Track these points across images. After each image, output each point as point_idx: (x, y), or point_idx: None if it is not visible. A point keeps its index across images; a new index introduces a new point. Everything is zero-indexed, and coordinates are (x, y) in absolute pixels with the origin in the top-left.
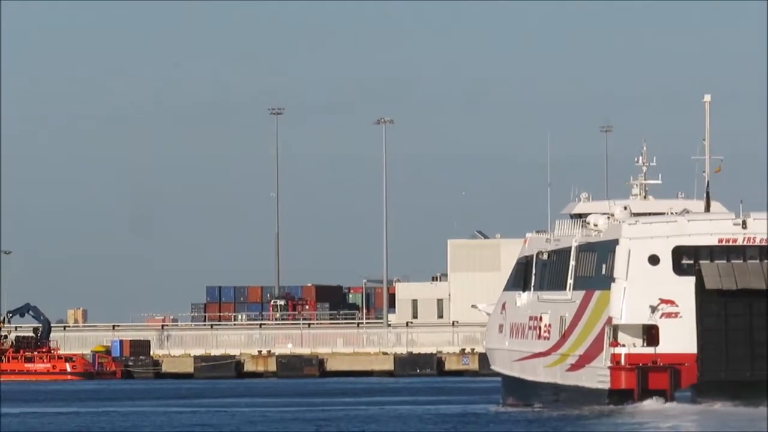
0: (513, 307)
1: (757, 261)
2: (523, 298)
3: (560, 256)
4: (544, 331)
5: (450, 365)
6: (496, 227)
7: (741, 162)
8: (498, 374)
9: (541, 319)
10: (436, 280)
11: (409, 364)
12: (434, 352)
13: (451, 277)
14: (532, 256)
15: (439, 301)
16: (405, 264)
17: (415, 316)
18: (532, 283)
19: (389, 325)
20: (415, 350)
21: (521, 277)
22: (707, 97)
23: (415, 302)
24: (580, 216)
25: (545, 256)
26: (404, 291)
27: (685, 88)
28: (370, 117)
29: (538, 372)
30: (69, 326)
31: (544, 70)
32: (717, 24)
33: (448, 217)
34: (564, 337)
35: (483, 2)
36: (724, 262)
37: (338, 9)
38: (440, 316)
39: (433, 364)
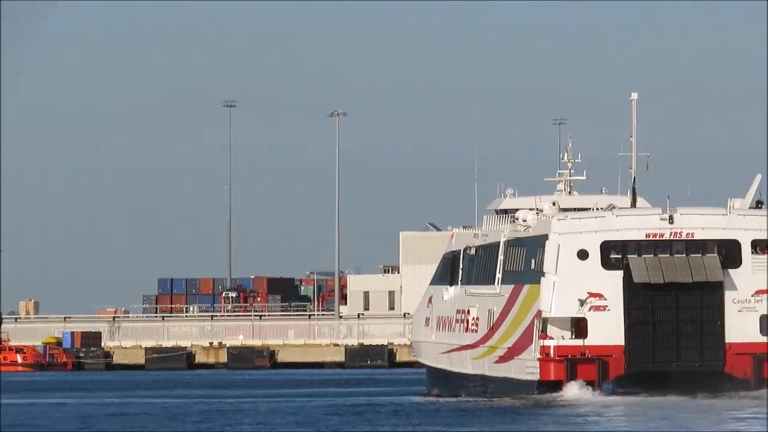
0: (440, 300)
1: (684, 255)
2: (451, 292)
3: (488, 251)
4: (472, 324)
5: (401, 357)
6: (448, 220)
7: (664, 158)
8: (424, 366)
9: (468, 312)
10: (388, 272)
11: (360, 355)
12: (385, 343)
13: (403, 269)
14: (459, 251)
15: (391, 293)
16: (357, 256)
17: (366, 308)
18: (460, 278)
19: (341, 317)
20: (367, 342)
21: (448, 272)
22: (634, 95)
23: (366, 294)
24: (506, 212)
25: (473, 251)
26: (356, 283)
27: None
28: (323, 109)
29: (466, 364)
30: (20, 318)
31: (498, 62)
32: (647, 21)
33: (400, 209)
34: (492, 329)
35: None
36: (652, 256)
37: (291, 3)
38: (392, 308)
39: (384, 355)
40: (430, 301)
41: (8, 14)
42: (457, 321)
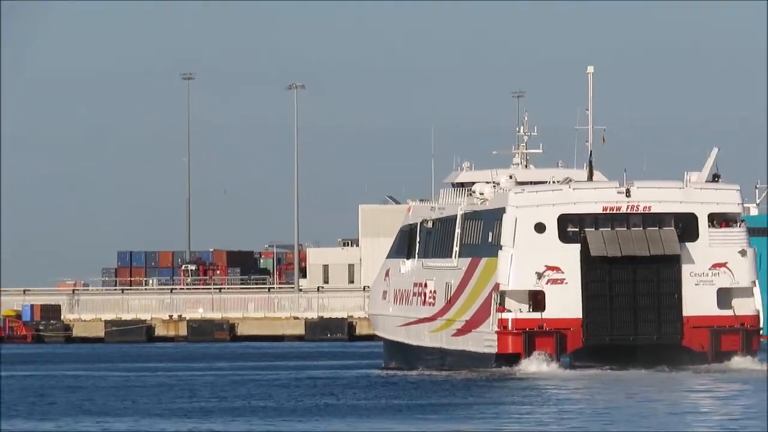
0: (397, 274)
1: (641, 228)
2: (408, 265)
3: (445, 224)
4: (430, 298)
5: (361, 330)
6: (408, 193)
7: (621, 132)
8: (381, 339)
9: (426, 285)
10: (347, 245)
11: (319, 328)
12: (345, 316)
13: (362, 242)
14: (416, 224)
15: (350, 266)
16: (316, 229)
17: (326, 281)
18: (417, 251)
19: (300, 290)
20: (326, 315)
21: (405, 245)
22: (590, 69)
23: (326, 267)
24: (462, 185)
25: (430, 225)
26: (315, 256)
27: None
28: (282, 83)
29: (423, 337)
30: None
31: (457, 36)
32: None
33: (359, 182)
34: (450, 303)
35: None
36: (609, 229)
37: None
38: (351, 281)
39: (344, 328)
40: (387, 274)
41: None
42: (414, 294)
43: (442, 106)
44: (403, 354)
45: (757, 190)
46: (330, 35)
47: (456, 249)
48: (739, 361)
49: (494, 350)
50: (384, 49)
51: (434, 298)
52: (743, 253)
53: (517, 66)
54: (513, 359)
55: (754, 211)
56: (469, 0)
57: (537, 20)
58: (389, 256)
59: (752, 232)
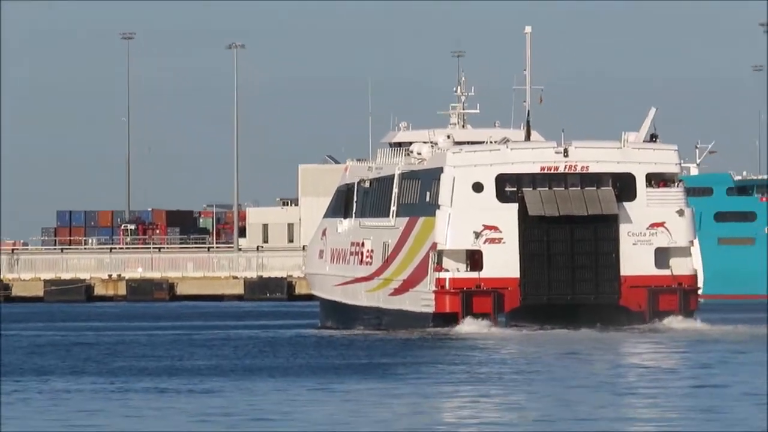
0: (334, 233)
1: (579, 188)
2: (345, 224)
3: (382, 183)
4: (367, 257)
5: (300, 289)
6: (347, 152)
7: (558, 91)
8: (318, 299)
9: (363, 244)
10: (287, 204)
11: (259, 288)
12: (284, 276)
13: (302, 202)
14: (354, 183)
15: (290, 226)
16: (255, 189)
17: (265, 241)
18: (354, 211)
19: (240, 250)
20: (266, 274)
21: (342, 205)
22: (528, 29)
23: (265, 227)
24: (400, 145)
25: (367, 184)
26: (255, 216)
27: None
28: (222, 41)
29: (360, 296)
30: None
31: None
32: None
33: (299, 141)
34: (387, 262)
35: None
36: (547, 189)
37: None
38: (291, 241)
39: (283, 288)
40: (324, 233)
41: None
42: (351, 253)
43: (380, 64)
44: (340, 313)
45: (697, 150)
46: None
47: (393, 208)
48: (673, 321)
49: (431, 310)
50: (325, 7)
51: (371, 257)
52: (681, 212)
53: (457, 25)
54: (450, 319)
55: (694, 171)
56: None
57: None
58: (326, 216)
59: (693, 192)
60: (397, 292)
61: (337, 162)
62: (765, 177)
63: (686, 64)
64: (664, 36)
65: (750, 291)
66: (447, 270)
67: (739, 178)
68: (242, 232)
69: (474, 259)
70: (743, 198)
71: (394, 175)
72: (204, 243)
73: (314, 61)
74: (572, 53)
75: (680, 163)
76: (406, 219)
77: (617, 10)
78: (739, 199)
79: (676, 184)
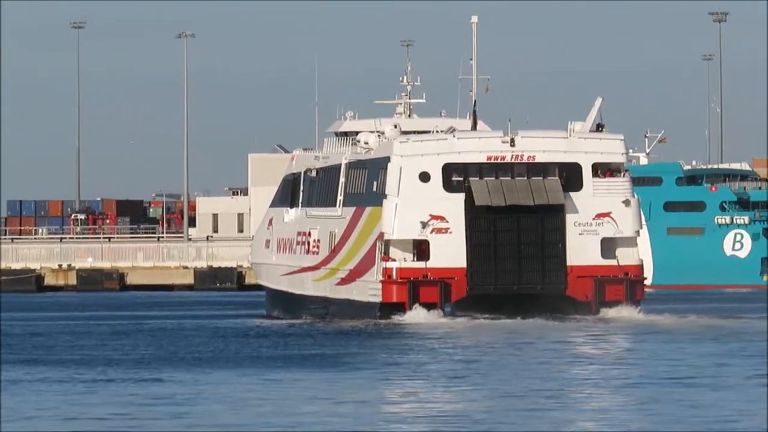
0: (280, 222)
1: (525, 178)
2: (291, 214)
3: (329, 173)
4: (313, 246)
5: (250, 279)
6: (297, 142)
7: (504, 81)
8: (265, 288)
9: (309, 234)
10: (237, 194)
11: (209, 278)
12: (235, 266)
13: (252, 192)
14: (300, 173)
15: (240, 216)
16: (205, 178)
17: (215, 231)
18: (300, 200)
19: (190, 239)
20: (216, 264)
21: (288, 194)
22: (474, 18)
23: (215, 216)
24: (346, 134)
25: (314, 174)
26: (205, 205)
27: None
28: (171, 31)
29: (307, 286)
30: None
31: None
32: None
33: (248, 130)
34: (334, 252)
35: None
36: (493, 179)
37: None
38: (240, 231)
39: (233, 278)
40: (270, 223)
41: None
42: (297, 243)
43: (330, 54)
44: (286, 303)
45: (647, 140)
46: None
47: (340, 198)
48: (617, 310)
49: (379, 299)
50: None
51: (318, 247)
52: (627, 203)
53: (406, 15)
54: (397, 308)
55: (644, 161)
56: None
57: None
58: (272, 205)
59: (643, 181)
60: (344, 281)
61: (287, 151)
62: (715, 167)
63: (635, 54)
64: (612, 25)
65: (699, 281)
66: (394, 260)
67: (689, 167)
68: (192, 222)
69: (421, 249)
70: (693, 188)
71: (340, 164)
72: (154, 233)
73: (264, 50)
74: (520, 43)
75: (626, 153)
76: (353, 209)
77: (566, 1)
78: (689, 188)
79: (622, 174)
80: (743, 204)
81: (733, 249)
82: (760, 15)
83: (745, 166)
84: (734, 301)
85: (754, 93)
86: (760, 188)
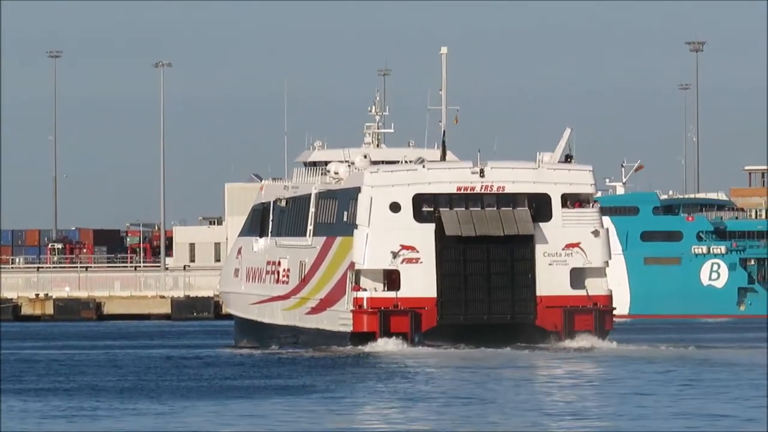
0: (250, 252)
1: (495, 209)
2: (261, 243)
3: (299, 203)
4: (283, 276)
5: (227, 308)
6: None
7: (473, 111)
8: (234, 317)
9: (279, 263)
10: (213, 223)
11: (186, 307)
12: (212, 295)
13: (228, 221)
14: (269, 202)
15: (217, 245)
16: (180, 207)
17: (192, 260)
18: (270, 229)
19: (167, 269)
20: (193, 294)
21: (257, 223)
22: (444, 50)
23: (192, 246)
24: (315, 164)
25: (283, 203)
26: (182, 235)
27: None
28: (149, 60)
29: (276, 315)
30: None
31: (322, 12)
32: None
33: (223, 159)
34: (304, 281)
35: None
36: (463, 209)
37: None
38: (217, 260)
39: (210, 307)
40: (239, 252)
41: None
42: (267, 272)
43: (298, 81)
44: (256, 332)
45: (623, 169)
46: (194, 11)
47: (310, 228)
48: (583, 339)
49: (349, 329)
50: (250, 25)
51: (288, 276)
52: (596, 233)
53: (375, 42)
54: (368, 338)
55: (620, 190)
56: None
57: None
58: (241, 234)
59: (619, 211)
60: (315, 311)
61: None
62: (691, 196)
63: (612, 83)
64: (590, 53)
65: (676, 311)
66: (365, 289)
67: (666, 197)
68: (166, 251)
69: (391, 279)
70: (669, 217)
71: (310, 194)
72: (131, 262)
73: (241, 79)
74: (490, 71)
75: (595, 184)
76: (324, 238)
77: (542, 28)
78: (666, 218)
79: (591, 204)
80: (720, 234)
81: (710, 279)
82: (736, 45)
83: (721, 196)
84: (711, 331)
85: (731, 122)
86: (736, 218)
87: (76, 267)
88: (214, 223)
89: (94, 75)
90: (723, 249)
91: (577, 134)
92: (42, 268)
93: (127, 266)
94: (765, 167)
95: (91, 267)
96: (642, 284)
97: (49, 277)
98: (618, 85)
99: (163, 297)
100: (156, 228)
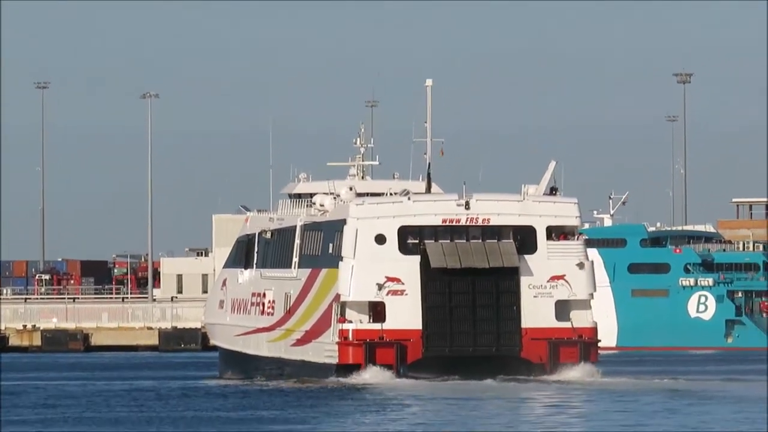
0: (234, 283)
1: (480, 241)
2: (246, 275)
3: (284, 234)
4: (268, 307)
5: None
6: (260, 202)
7: (457, 143)
8: (218, 348)
9: (264, 295)
10: (201, 255)
11: (174, 338)
12: (199, 327)
13: (216, 252)
14: (254, 234)
15: (204, 276)
16: (167, 238)
17: (180, 291)
18: (255, 261)
19: (154, 300)
20: (180, 325)
21: (242, 255)
22: (429, 82)
23: (180, 277)
24: (300, 196)
25: (268, 235)
26: (169, 266)
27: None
28: (136, 91)
29: (261, 346)
30: None
31: (311, 43)
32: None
33: (213, 192)
34: (289, 313)
35: None
36: (448, 241)
37: None
38: (205, 291)
39: (198, 339)
40: (224, 284)
41: None
42: (252, 304)
43: (283, 114)
44: (240, 363)
45: (611, 201)
46: (180, 44)
47: (295, 259)
48: (569, 372)
49: (335, 361)
50: (236, 53)
51: (273, 307)
52: (581, 265)
53: (360, 74)
54: (354, 369)
55: (608, 222)
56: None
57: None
58: (226, 266)
59: (607, 243)
60: (300, 342)
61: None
62: (679, 228)
63: (599, 114)
64: (576, 86)
65: (664, 343)
66: (350, 321)
67: (653, 229)
68: (145, 282)
69: (377, 311)
70: (657, 249)
71: (295, 226)
72: (118, 293)
73: (228, 110)
74: (476, 103)
75: (580, 216)
76: (309, 270)
77: (529, 60)
78: (653, 250)
79: (576, 237)
80: (707, 266)
81: (698, 311)
82: (724, 77)
83: (709, 228)
84: (698, 364)
85: (719, 154)
86: (724, 250)
87: (64, 298)
88: (201, 255)
89: (82, 106)
90: (710, 281)
91: (565, 166)
92: (29, 299)
93: (114, 297)
94: (753, 200)
95: (78, 298)
96: (629, 316)
97: (37, 309)
98: (605, 116)
99: (150, 328)
100: (143, 259)
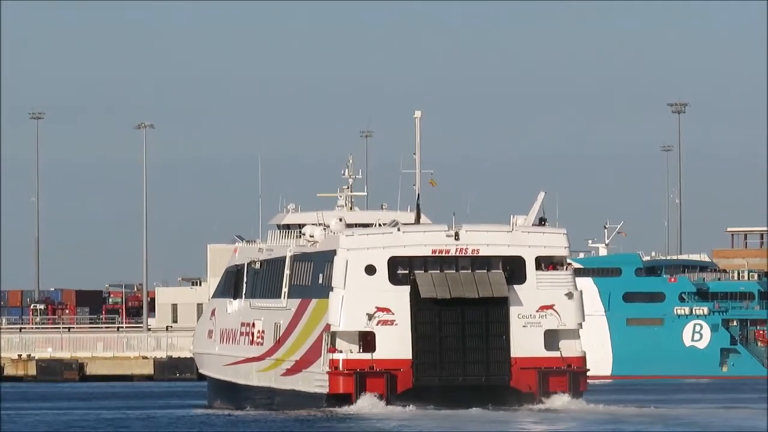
0: (223, 313)
1: (469, 271)
2: (235, 305)
3: (273, 265)
4: (258, 337)
5: None
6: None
7: (446, 174)
8: (206, 378)
9: (254, 325)
10: (196, 284)
11: (168, 368)
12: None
13: (211, 282)
14: (243, 265)
15: (199, 306)
16: (161, 268)
17: (175, 321)
18: (244, 291)
19: (149, 330)
20: (175, 354)
21: (231, 285)
22: (418, 113)
23: (174, 306)
24: (288, 227)
25: (258, 265)
26: (164, 295)
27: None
28: (131, 121)
29: (251, 376)
30: None
31: (310, 66)
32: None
33: (207, 221)
34: (279, 342)
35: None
36: (438, 272)
37: (98, 9)
38: None
39: (193, 368)
40: (212, 313)
41: None
42: (241, 333)
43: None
44: (230, 393)
45: (606, 230)
46: (180, 70)
47: (285, 290)
48: (557, 401)
49: (325, 390)
50: (231, 82)
51: (262, 337)
52: (570, 295)
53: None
54: (344, 399)
55: (603, 251)
56: (314, 29)
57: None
58: (214, 296)
59: (602, 272)
60: (290, 372)
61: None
62: (674, 257)
63: (595, 144)
64: (572, 116)
65: (659, 372)
66: (340, 351)
67: (648, 258)
68: (139, 311)
69: (367, 341)
70: (652, 278)
71: (285, 256)
72: (113, 323)
73: (223, 141)
74: (465, 134)
75: (569, 246)
76: (299, 300)
77: (522, 90)
78: (648, 279)
79: (565, 267)
80: (702, 295)
81: (693, 340)
82: (719, 106)
83: (704, 257)
84: (692, 392)
85: (714, 183)
86: (719, 279)
87: (59, 328)
88: (196, 284)
89: (77, 136)
90: (705, 310)
91: (559, 195)
92: (24, 328)
93: (109, 327)
94: (747, 229)
95: (73, 328)
96: (625, 345)
97: (32, 338)
98: (600, 146)
99: (145, 357)
100: (136, 288)
